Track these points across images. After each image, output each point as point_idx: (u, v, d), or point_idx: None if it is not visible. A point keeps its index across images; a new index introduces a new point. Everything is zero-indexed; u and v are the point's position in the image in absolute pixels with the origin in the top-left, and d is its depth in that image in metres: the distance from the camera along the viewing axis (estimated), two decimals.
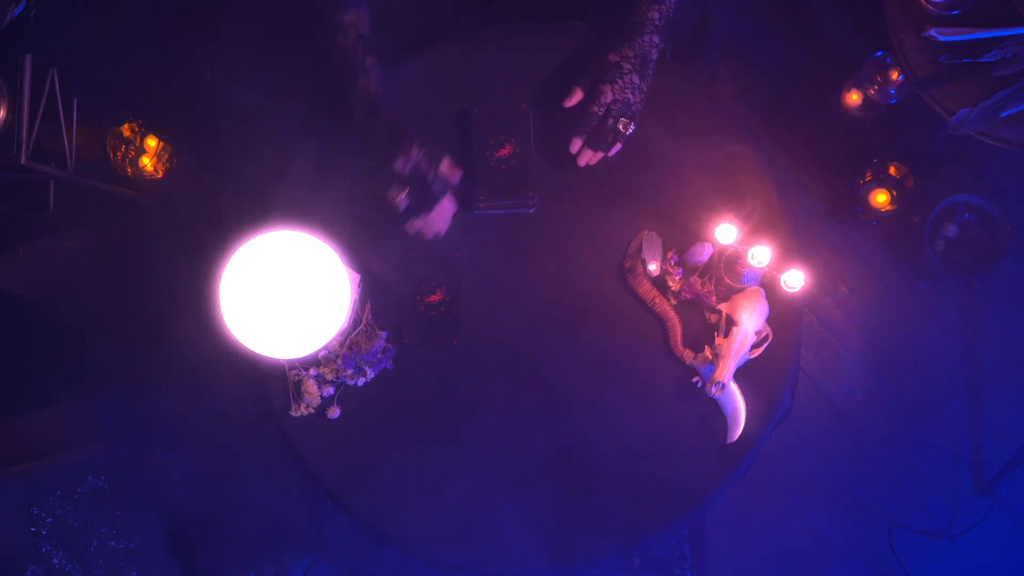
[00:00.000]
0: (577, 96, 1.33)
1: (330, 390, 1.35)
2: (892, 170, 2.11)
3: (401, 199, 1.26)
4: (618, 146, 1.35)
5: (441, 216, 1.31)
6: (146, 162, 2.15)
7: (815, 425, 2.14)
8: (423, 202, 1.28)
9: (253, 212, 1.42)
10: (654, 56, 1.32)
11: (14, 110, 1.71)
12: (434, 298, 1.38)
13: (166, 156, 2.19)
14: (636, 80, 1.30)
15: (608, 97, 1.29)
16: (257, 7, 2.07)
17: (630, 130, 1.32)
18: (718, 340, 1.29)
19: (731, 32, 2.27)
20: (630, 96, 1.30)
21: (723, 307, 1.31)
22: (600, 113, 1.30)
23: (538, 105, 1.42)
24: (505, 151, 1.39)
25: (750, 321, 1.28)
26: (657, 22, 1.31)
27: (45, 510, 1.71)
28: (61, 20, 1.88)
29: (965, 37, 1.54)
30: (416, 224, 1.30)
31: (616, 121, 1.30)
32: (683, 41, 1.58)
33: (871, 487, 2.11)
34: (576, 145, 1.34)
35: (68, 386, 1.96)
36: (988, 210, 2.05)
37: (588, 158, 1.35)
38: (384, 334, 1.35)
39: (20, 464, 1.71)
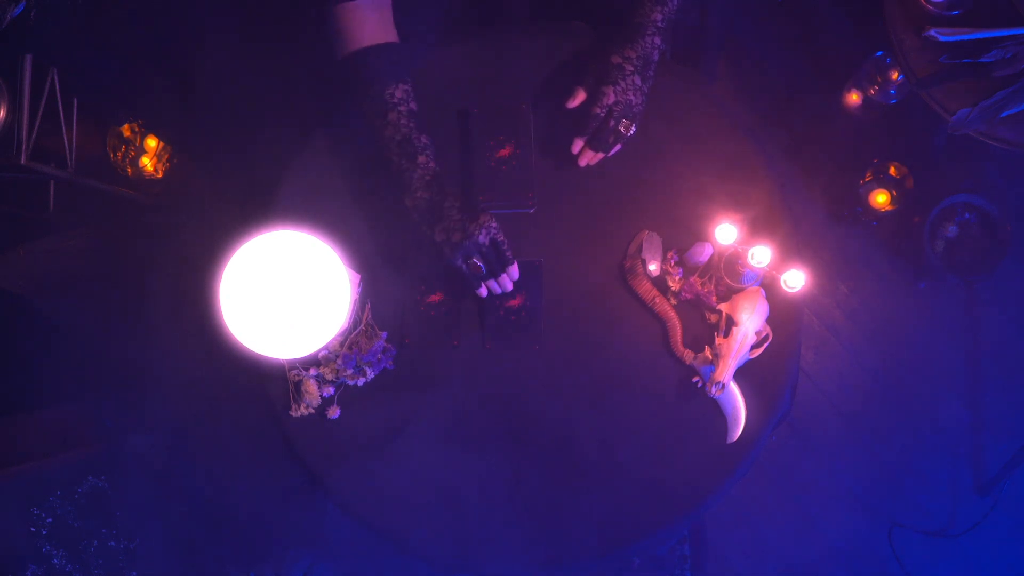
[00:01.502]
0: (580, 97, 1.34)
1: (330, 390, 1.35)
2: (892, 170, 2.11)
3: (481, 265, 1.29)
4: (618, 147, 1.35)
5: (513, 274, 1.35)
6: (146, 162, 2.15)
7: (815, 425, 2.14)
8: (498, 266, 1.31)
9: (253, 212, 1.42)
10: (655, 57, 1.32)
11: (14, 110, 1.71)
12: (434, 298, 1.38)
13: (166, 156, 2.19)
14: (638, 81, 1.30)
15: (610, 98, 1.29)
16: (256, 8, 2.07)
17: (631, 131, 1.32)
18: (718, 340, 1.29)
19: (731, 32, 2.27)
20: (632, 98, 1.30)
21: (723, 307, 1.31)
22: (602, 114, 1.30)
23: (538, 105, 1.42)
24: (505, 151, 1.39)
25: (750, 321, 1.28)
26: (660, 23, 1.31)
27: (45, 510, 1.71)
28: (61, 20, 1.88)
29: (965, 37, 1.54)
30: (491, 286, 1.34)
31: (617, 122, 1.30)
32: (683, 41, 1.58)
33: (871, 487, 2.11)
34: (577, 146, 1.34)
35: (68, 386, 1.96)
36: (988, 210, 2.05)
37: (589, 159, 1.35)
38: (384, 334, 1.35)
39: (20, 464, 1.71)
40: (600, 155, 1.35)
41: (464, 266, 1.29)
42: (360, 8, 1.28)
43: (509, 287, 1.35)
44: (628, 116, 1.31)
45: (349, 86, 1.31)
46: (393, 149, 1.29)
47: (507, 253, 1.31)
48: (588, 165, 1.36)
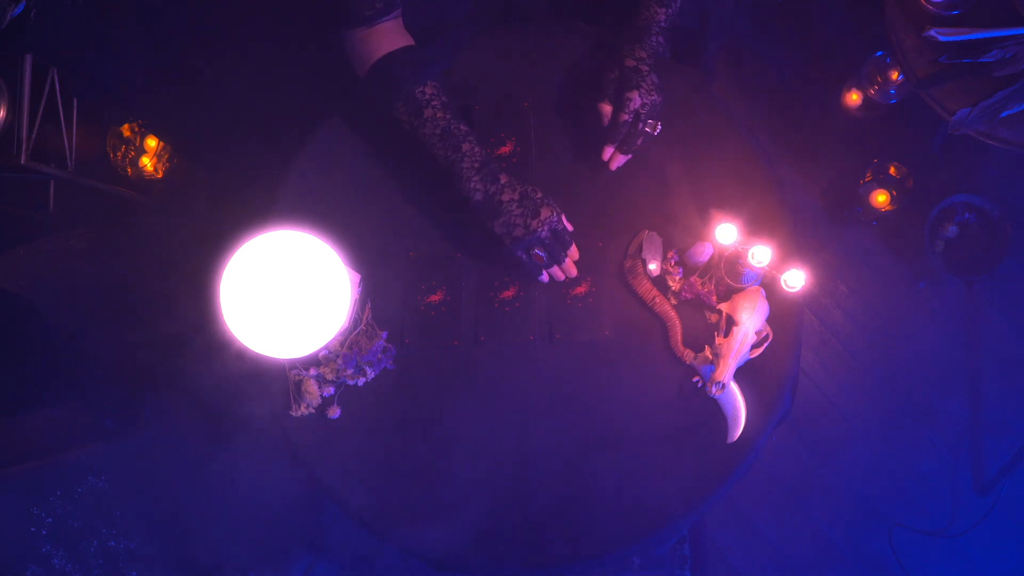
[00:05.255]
0: (608, 112, 1.33)
1: (330, 390, 1.35)
2: (892, 170, 2.11)
3: (543, 255, 1.31)
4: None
5: (573, 260, 1.36)
6: (146, 162, 2.15)
7: (815, 425, 2.14)
8: (559, 253, 1.32)
9: (253, 212, 1.42)
10: (661, 53, 1.33)
11: (14, 110, 1.71)
12: (434, 298, 1.38)
13: (166, 156, 2.19)
14: (656, 80, 1.30)
15: (636, 103, 1.29)
16: (257, 8, 2.07)
17: (658, 130, 1.32)
18: (718, 340, 1.29)
19: (731, 32, 2.27)
20: (656, 97, 1.30)
21: (723, 307, 1.31)
22: (631, 120, 1.30)
23: (539, 104, 1.42)
24: (506, 149, 1.39)
25: (750, 321, 1.28)
26: (663, 23, 1.32)
27: (45, 510, 1.71)
28: (61, 20, 1.88)
29: (965, 37, 1.54)
30: (553, 273, 1.35)
31: (644, 124, 1.31)
32: (683, 41, 1.59)
33: (871, 487, 2.11)
34: (608, 152, 1.34)
35: (68, 386, 1.96)
36: (988, 210, 2.05)
37: (619, 162, 1.36)
38: (384, 334, 1.35)
39: (20, 464, 1.71)
40: (628, 156, 1.36)
41: (525, 256, 1.31)
42: (376, 28, 1.29)
43: (573, 272, 1.37)
44: (654, 116, 1.31)
45: (377, 98, 1.31)
46: (436, 144, 1.30)
47: (566, 238, 1.32)
48: (618, 168, 1.37)
